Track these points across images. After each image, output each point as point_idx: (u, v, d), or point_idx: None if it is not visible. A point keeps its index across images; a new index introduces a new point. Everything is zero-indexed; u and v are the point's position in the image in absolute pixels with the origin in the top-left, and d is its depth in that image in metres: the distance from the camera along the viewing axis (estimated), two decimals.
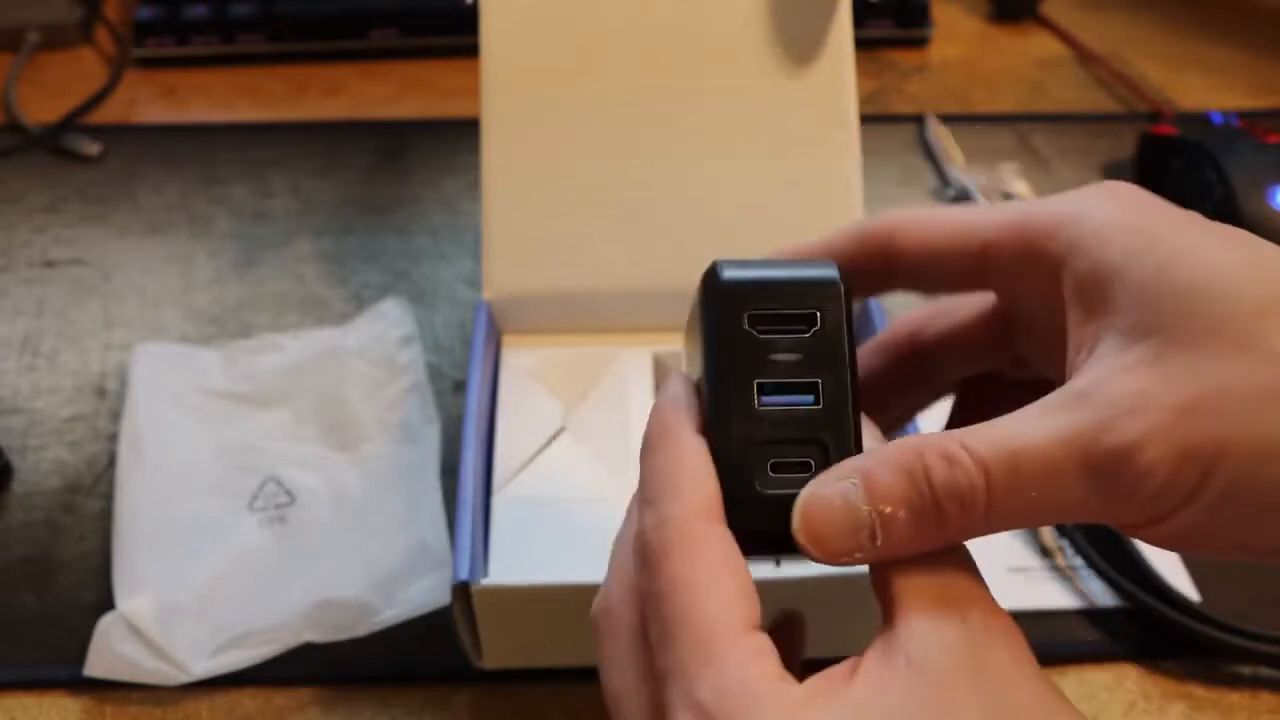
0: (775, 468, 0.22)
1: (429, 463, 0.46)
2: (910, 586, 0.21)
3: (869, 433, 0.24)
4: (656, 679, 0.21)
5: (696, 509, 0.22)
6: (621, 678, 0.23)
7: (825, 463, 0.22)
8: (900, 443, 0.22)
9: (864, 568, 0.23)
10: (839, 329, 0.23)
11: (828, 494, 0.22)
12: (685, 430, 0.23)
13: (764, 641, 0.21)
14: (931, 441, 0.21)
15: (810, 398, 0.23)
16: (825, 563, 0.22)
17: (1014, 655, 0.20)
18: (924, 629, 0.20)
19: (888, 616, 0.21)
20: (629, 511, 0.26)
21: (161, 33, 0.70)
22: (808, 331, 0.23)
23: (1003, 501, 0.21)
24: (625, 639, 0.23)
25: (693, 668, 0.20)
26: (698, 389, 0.25)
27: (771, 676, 0.20)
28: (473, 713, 0.40)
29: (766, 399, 0.23)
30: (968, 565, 0.22)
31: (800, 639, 0.28)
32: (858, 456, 0.22)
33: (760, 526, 0.22)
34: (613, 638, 0.23)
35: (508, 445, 0.43)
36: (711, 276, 0.24)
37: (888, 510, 0.21)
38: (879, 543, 0.21)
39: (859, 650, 0.21)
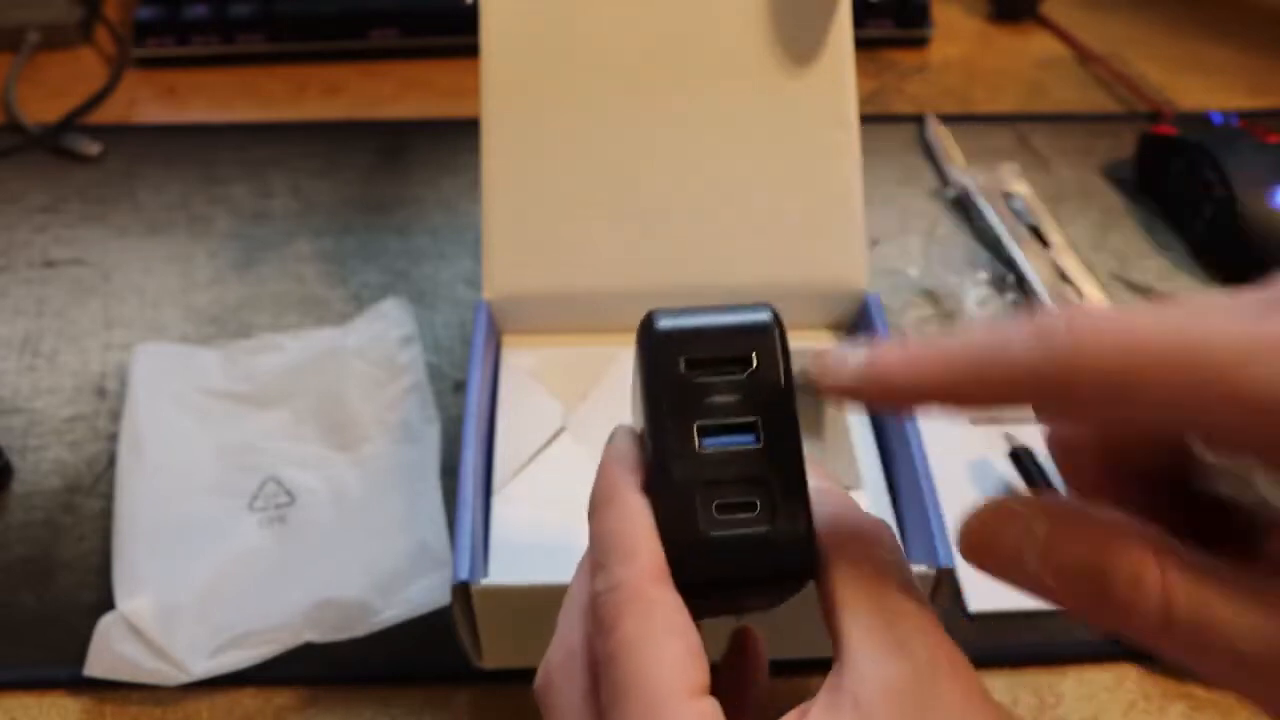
0: (720, 509, 0.23)
1: (429, 463, 0.46)
2: (855, 624, 0.21)
3: (811, 471, 0.24)
4: None
5: (646, 572, 0.22)
6: None
7: (769, 501, 0.22)
8: (1105, 526, 0.20)
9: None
10: (775, 368, 0.23)
11: (1008, 534, 0.21)
12: (629, 490, 0.24)
13: (711, 706, 0.21)
14: (1129, 548, 0.19)
15: (751, 437, 0.23)
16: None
17: (962, 688, 0.20)
18: (869, 670, 0.20)
19: (835, 654, 0.21)
20: (576, 577, 0.26)
21: (161, 33, 0.70)
22: (743, 373, 0.23)
23: (1157, 642, 0.19)
24: (571, 709, 0.23)
25: None
26: (643, 439, 0.25)
27: None
28: (473, 713, 0.40)
29: (708, 440, 0.23)
30: (915, 597, 0.22)
31: (756, 667, 0.28)
32: (1053, 507, 0.21)
33: (707, 569, 0.22)
34: (558, 710, 0.24)
35: (508, 445, 0.43)
36: (647, 326, 0.24)
37: (1049, 581, 0.20)
38: (1024, 587, 0.21)
39: None
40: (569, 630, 0.25)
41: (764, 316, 0.24)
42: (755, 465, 0.23)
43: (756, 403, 0.23)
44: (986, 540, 0.21)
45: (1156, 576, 0.19)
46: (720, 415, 0.23)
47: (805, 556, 0.22)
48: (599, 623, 0.22)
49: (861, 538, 0.23)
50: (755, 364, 0.23)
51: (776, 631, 0.31)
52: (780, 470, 0.23)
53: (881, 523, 0.24)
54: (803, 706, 0.21)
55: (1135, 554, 0.19)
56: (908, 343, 0.21)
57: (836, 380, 0.22)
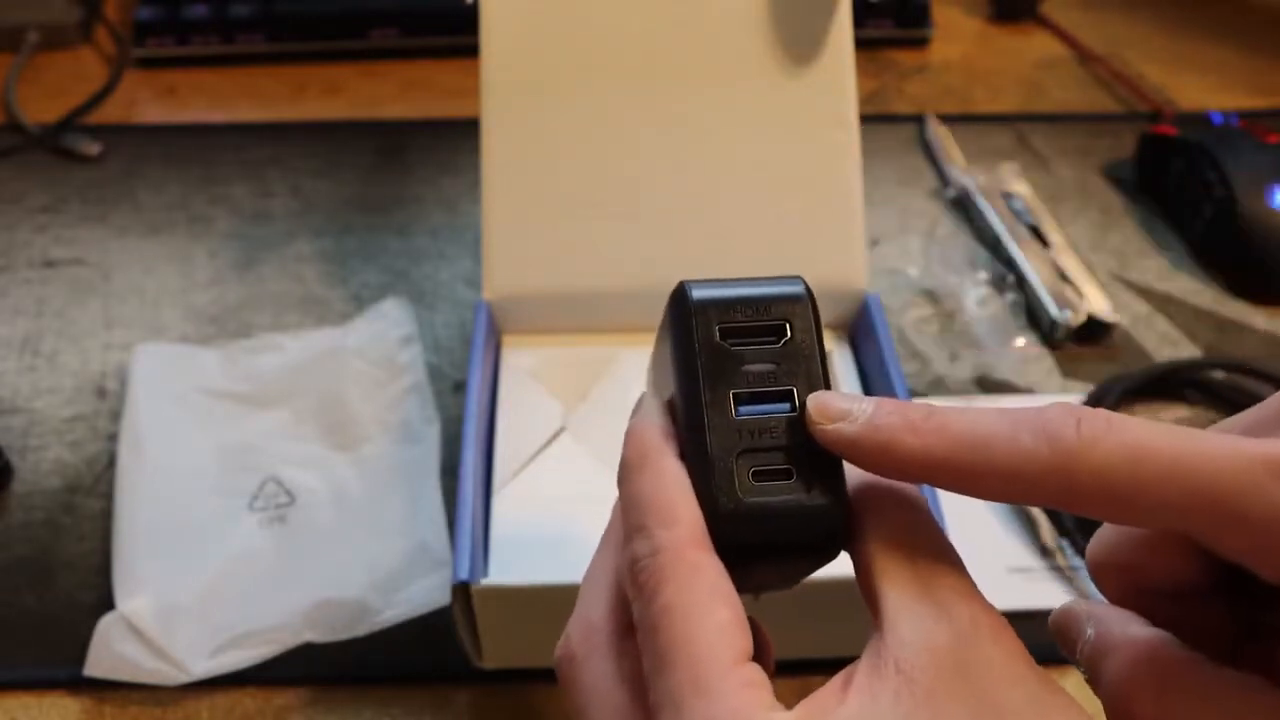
0: (757, 475, 0.23)
1: (429, 463, 0.46)
2: (895, 590, 0.21)
3: None
4: (649, 711, 0.21)
5: (688, 537, 0.22)
6: (603, 712, 0.23)
7: (805, 468, 0.23)
8: (1126, 650, 0.22)
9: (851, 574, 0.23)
10: (809, 338, 0.23)
11: (1071, 630, 0.24)
12: (664, 454, 0.23)
13: (756, 672, 0.21)
14: (1138, 677, 0.22)
15: (786, 405, 0.23)
16: None
17: (1004, 651, 0.20)
18: (911, 634, 0.20)
19: (875, 622, 0.21)
20: (599, 550, 0.26)
21: (161, 33, 0.70)
22: (778, 342, 0.23)
23: None
24: (601, 680, 0.23)
25: (686, 698, 0.20)
26: (670, 407, 0.25)
27: (763, 705, 0.20)
28: (473, 713, 0.40)
29: (743, 408, 0.23)
30: (952, 561, 0.22)
31: (765, 651, 0.28)
32: (1101, 615, 0.24)
33: (746, 535, 0.22)
34: (582, 685, 0.23)
35: (508, 445, 0.43)
36: (680, 295, 0.24)
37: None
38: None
39: (857, 651, 0.21)
40: (593, 602, 0.24)
41: (797, 288, 0.24)
42: (790, 433, 0.23)
43: (791, 371, 0.23)
44: (1057, 630, 0.25)
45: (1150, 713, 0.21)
46: (755, 384, 0.23)
47: (842, 522, 0.22)
48: (639, 589, 0.22)
49: (896, 504, 0.23)
50: (790, 333, 0.23)
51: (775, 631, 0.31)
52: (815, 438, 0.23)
53: (915, 489, 0.24)
54: (846, 671, 0.21)
55: (1140, 686, 0.22)
56: (911, 410, 0.21)
57: (837, 434, 0.22)
